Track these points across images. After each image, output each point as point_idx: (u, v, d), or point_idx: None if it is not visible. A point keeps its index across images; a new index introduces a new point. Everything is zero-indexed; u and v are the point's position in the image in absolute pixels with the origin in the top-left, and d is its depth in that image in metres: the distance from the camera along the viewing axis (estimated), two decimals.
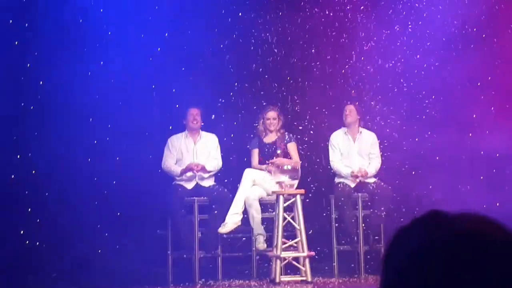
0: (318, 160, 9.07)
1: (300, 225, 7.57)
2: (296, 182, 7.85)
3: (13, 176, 8.15)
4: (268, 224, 8.25)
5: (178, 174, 8.47)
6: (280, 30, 9.28)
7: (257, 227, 8.21)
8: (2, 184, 8.04)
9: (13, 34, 8.30)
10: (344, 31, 9.20)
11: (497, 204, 8.21)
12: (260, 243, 8.13)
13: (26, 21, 8.38)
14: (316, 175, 9.03)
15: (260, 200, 8.35)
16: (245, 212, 8.31)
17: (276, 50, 9.29)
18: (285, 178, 7.77)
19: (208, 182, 8.54)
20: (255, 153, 8.64)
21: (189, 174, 8.46)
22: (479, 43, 9.01)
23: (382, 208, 8.38)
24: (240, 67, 9.17)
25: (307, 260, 7.54)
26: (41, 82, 8.40)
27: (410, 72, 9.07)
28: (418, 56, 9.06)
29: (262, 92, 9.21)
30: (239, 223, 8.29)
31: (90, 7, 8.66)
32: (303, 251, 7.54)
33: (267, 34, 9.26)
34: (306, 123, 9.24)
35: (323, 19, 9.21)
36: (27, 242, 8.12)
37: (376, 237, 8.39)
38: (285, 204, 7.64)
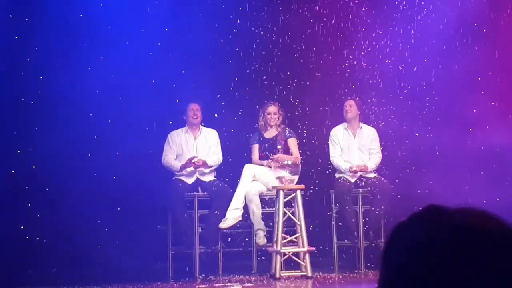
0: (318, 155, 9.06)
1: (300, 220, 7.57)
2: (296, 177, 7.85)
3: (13, 171, 8.16)
4: (268, 219, 8.26)
5: (178, 170, 8.47)
6: (280, 25, 9.27)
7: (257, 222, 8.22)
8: (2, 179, 8.04)
9: (13, 29, 8.30)
10: (345, 27, 9.18)
11: (497, 199, 8.21)
12: (260, 238, 8.14)
13: (26, 16, 8.38)
14: (316, 170, 9.03)
15: (260, 195, 8.36)
16: (245, 207, 8.32)
17: (276, 45, 9.28)
18: (285, 173, 7.77)
19: (209, 177, 8.54)
20: (256, 148, 8.64)
21: (189, 169, 8.45)
22: (479, 38, 9.00)
23: (382, 204, 8.38)
24: (241, 62, 9.16)
25: (307, 255, 7.54)
26: (41, 77, 8.40)
27: (410, 68, 9.06)
28: (418, 52, 9.05)
29: (262, 88, 9.20)
30: (240, 218, 8.29)
31: (90, 2, 8.65)
32: (303, 246, 7.54)
33: (268, 29, 9.25)
34: (306, 118, 9.24)
35: (323, 16, 9.20)
36: (27, 237, 8.13)
37: (376, 232, 8.39)
38: (285, 199, 7.64)
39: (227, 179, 8.66)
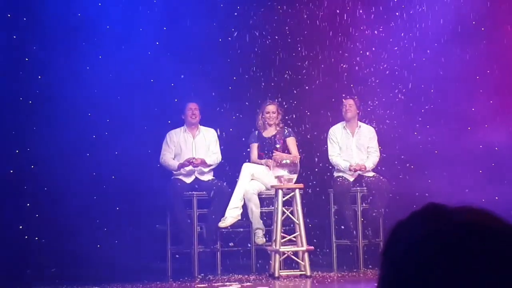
0: (317, 154, 9.06)
1: (299, 219, 7.56)
2: (295, 177, 7.84)
3: (11, 171, 8.15)
4: (267, 218, 8.25)
5: (176, 169, 8.47)
6: (279, 24, 9.27)
7: (256, 221, 8.22)
8: (0, 179, 8.03)
9: (11, 28, 8.29)
10: (343, 25, 9.18)
11: (496, 197, 8.21)
12: (259, 237, 8.13)
13: (24, 15, 8.37)
14: (315, 169, 9.03)
15: (259, 194, 8.35)
16: (244, 206, 8.31)
17: (275, 44, 9.28)
18: (284, 172, 7.76)
19: (207, 177, 8.54)
20: (254, 147, 8.63)
21: (188, 168, 8.45)
22: (478, 36, 9.00)
23: (381, 203, 8.38)
24: (239, 61, 9.16)
25: (306, 254, 7.54)
26: (39, 77, 8.40)
27: (408, 66, 9.07)
28: (416, 50, 9.05)
29: (261, 87, 9.20)
30: (239, 217, 8.29)
31: (88, 1, 8.65)
32: (302, 245, 7.54)
33: (266, 29, 9.25)
34: (305, 117, 9.24)
35: (323, 16, 9.19)
36: (26, 237, 8.12)
37: (375, 231, 8.39)
38: (284, 198, 7.64)
39: (224, 179, 8.66)
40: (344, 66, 9.21)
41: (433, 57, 9.01)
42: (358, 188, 8.51)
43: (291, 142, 8.56)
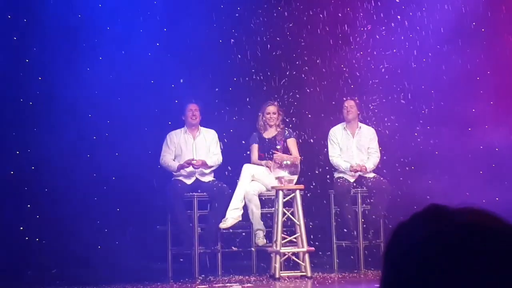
0: (317, 155, 9.06)
1: (299, 220, 7.56)
2: (295, 178, 7.84)
3: (12, 172, 8.15)
4: (268, 219, 8.25)
5: (175, 170, 8.46)
6: (279, 25, 9.27)
7: (257, 222, 8.22)
8: (1, 180, 8.03)
9: (11, 29, 8.29)
10: (343, 26, 9.18)
11: (497, 198, 8.21)
12: (260, 239, 8.13)
13: (24, 16, 8.37)
14: (315, 170, 9.02)
15: (259, 195, 8.35)
16: (245, 207, 8.31)
17: (275, 45, 9.28)
18: (284, 173, 7.76)
19: (208, 178, 8.54)
20: (255, 148, 8.63)
21: (189, 169, 8.45)
22: (478, 37, 9.00)
23: (381, 204, 8.38)
24: (239, 62, 9.15)
25: (306, 255, 7.54)
26: (40, 78, 8.40)
27: (409, 67, 9.07)
28: (417, 51, 9.05)
29: (261, 88, 9.20)
30: (240, 218, 8.29)
31: (89, 2, 8.65)
32: (303, 246, 7.54)
33: (267, 29, 9.25)
34: (306, 118, 9.23)
35: (323, 16, 9.20)
36: (27, 238, 8.12)
37: (376, 232, 8.39)
38: (284, 200, 7.64)
39: (224, 180, 8.66)
40: (345, 69, 9.21)
41: (434, 59, 9.02)
42: (359, 189, 8.51)
43: (292, 143, 8.56)
